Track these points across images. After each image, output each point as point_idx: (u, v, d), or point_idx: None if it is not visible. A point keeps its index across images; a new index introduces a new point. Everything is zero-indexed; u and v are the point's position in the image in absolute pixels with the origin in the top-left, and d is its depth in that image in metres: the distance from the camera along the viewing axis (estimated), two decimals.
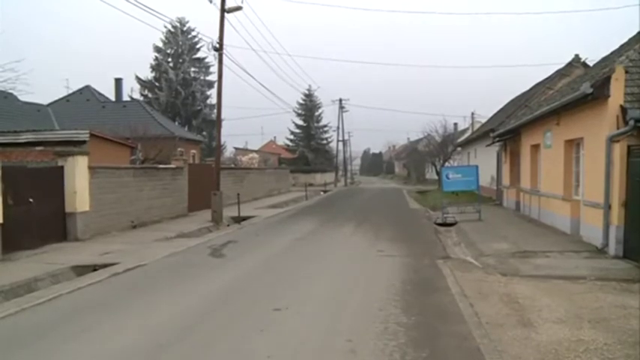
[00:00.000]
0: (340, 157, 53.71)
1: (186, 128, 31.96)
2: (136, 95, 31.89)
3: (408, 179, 52.43)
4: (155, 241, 9.48)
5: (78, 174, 9.32)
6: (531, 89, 18.28)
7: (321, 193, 29.08)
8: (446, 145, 31.21)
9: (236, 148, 44.36)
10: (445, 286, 5.61)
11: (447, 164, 29.73)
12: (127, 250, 8.27)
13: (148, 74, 33.38)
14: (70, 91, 25.76)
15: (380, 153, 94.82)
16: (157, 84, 33.12)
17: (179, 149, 21.91)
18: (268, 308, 4.69)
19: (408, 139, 79.31)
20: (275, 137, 68.42)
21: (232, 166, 24.60)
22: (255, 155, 29.98)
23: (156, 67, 33.37)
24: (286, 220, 13.51)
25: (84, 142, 10.53)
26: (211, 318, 4.45)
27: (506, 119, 16.17)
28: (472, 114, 37.19)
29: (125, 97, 28.57)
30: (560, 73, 15.26)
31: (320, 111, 45.97)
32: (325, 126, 46.09)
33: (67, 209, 9.19)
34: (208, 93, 36.02)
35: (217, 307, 4.81)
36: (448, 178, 12.40)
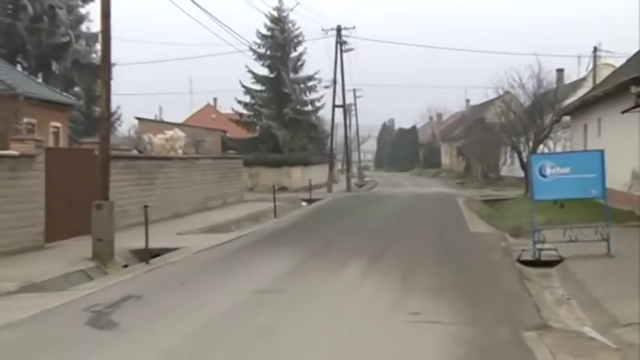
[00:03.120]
0: (339, 136, 53.93)
1: (39, 79, 31.62)
2: None
3: (467, 177, 52.88)
4: None
5: None
6: None
7: (303, 203, 29.65)
8: (540, 112, 31.49)
9: (141, 120, 44.26)
10: None
11: (542, 148, 30.01)
12: None
13: None
14: None
15: (413, 128, 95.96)
16: None
17: (26, 120, 21.67)
18: None
19: (467, 102, 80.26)
20: (215, 99, 68.63)
21: (135, 153, 24.41)
22: (179, 133, 29.77)
23: None
24: (238, 256, 13.60)
25: None
26: None
27: None
28: (595, 50, 37.63)
29: None
30: None
31: (301, 50, 46.29)
32: (311, 78, 46.38)
33: None
34: (83, 11, 35.76)
35: None
36: (544, 174, 12.47)
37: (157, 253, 13.54)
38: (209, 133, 42.39)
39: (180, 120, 51.35)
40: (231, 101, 47.81)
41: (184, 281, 10.81)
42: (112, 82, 14.00)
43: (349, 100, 60.57)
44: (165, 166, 22.17)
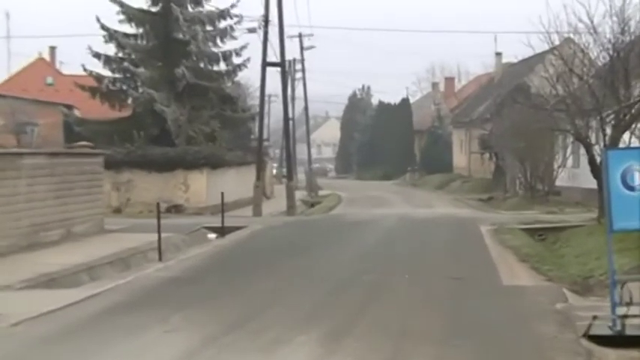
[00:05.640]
0: (275, 116, 53.90)
1: None
2: None
3: (497, 189, 53.73)
4: None
5: None
6: None
7: (211, 235, 30.29)
8: (624, 77, 31.87)
9: None
10: None
11: (627, 139, 30.36)
12: None
13: None
14: None
15: (405, 104, 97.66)
16: None
17: None
18: None
19: (498, 56, 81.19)
20: (54, 50, 68.50)
21: None
22: None
23: None
24: (92, 330, 13.68)
25: None
26: None
27: None
28: None
29: None
30: None
31: None
32: (224, 15, 47.26)
33: None
34: None
35: None
36: (631, 185, 12.60)
37: None
38: (42, 110, 42.05)
39: None
40: (81, 54, 47.45)
41: None
42: None
43: (292, 53, 60.68)
44: None
